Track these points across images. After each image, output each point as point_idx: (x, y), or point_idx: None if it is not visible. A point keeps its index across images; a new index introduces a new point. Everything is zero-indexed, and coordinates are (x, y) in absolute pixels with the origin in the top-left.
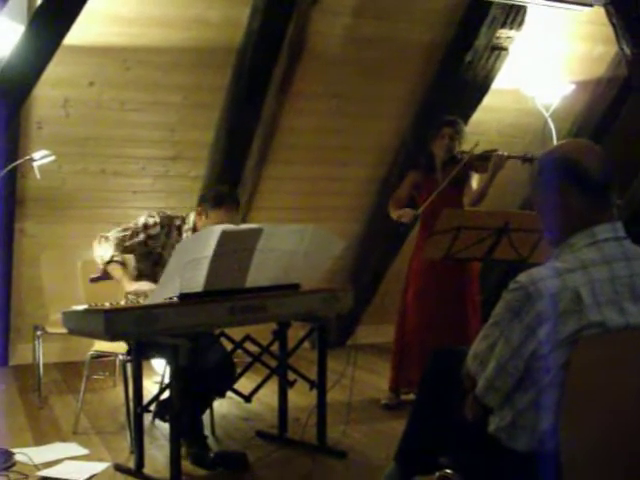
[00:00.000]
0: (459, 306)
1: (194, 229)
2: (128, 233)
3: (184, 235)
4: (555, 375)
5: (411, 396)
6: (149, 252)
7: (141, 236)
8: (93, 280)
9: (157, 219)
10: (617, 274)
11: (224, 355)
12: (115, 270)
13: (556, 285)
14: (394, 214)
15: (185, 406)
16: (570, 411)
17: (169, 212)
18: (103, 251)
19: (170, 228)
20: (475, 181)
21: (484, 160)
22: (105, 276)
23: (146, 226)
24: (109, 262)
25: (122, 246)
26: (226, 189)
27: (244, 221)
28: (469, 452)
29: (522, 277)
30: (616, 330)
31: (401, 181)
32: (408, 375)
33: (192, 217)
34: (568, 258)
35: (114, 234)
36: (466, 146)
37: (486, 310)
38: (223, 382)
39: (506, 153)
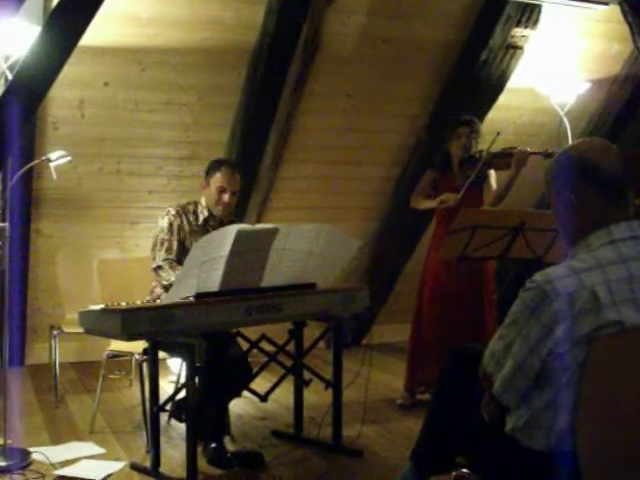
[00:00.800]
0: (475, 305)
1: (208, 208)
2: (167, 245)
3: (200, 216)
4: (572, 374)
5: (426, 396)
6: (185, 247)
7: (175, 239)
8: None
9: (173, 211)
10: (634, 273)
11: (240, 355)
12: None
13: (573, 284)
14: (430, 203)
15: (201, 405)
16: (587, 410)
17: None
18: (168, 276)
19: (187, 215)
20: (493, 179)
21: (505, 157)
22: None
23: (171, 225)
24: None
25: (175, 262)
26: (224, 158)
27: (259, 221)
28: (486, 451)
29: (539, 276)
30: (633, 329)
31: (416, 180)
32: (424, 375)
33: (204, 199)
34: (585, 257)
35: (162, 257)
36: (483, 144)
37: (503, 309)
38: (239, 381)
39: (528, 149)
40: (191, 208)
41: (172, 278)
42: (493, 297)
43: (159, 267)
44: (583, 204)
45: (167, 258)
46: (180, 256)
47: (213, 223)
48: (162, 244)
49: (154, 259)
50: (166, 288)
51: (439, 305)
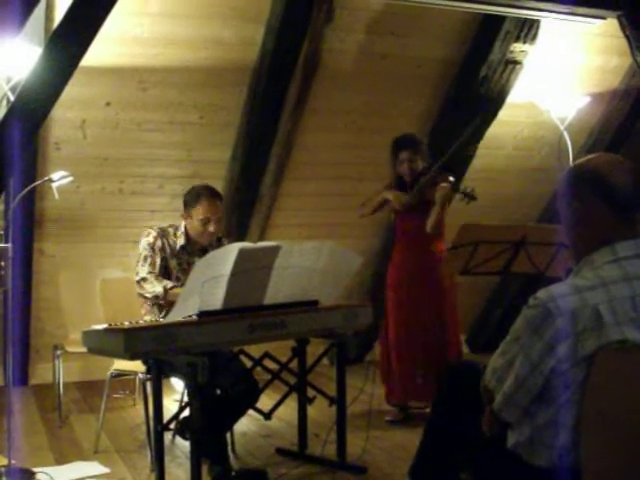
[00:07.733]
0: (437, 313)
1: (186, 232)
2: (150, 261)
3: (177, 242)
4: (574, 392)
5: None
6: (169, 268)
7: (157, 256)
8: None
9: (154, 233)
10: (638, 292)
11: (244, 373)
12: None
13: (576, 302)
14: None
15: (205, 424)
16: (590, 427)
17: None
18: (154, 287)
19: (167, 237)
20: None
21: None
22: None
23: (152, 246)
24: (170, 290)
25: (159, 275)
26: (201, 185)
27: (262, 239)
28: (488, 467)
29: (541, 294)
30: (636, 346)
31: None
32: (401, 387)
33: (183, 222)
34: (588, 275)
35: (146, 271)
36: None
37: (505, 325)
38: (245, 400)
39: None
40: (171, 231)
41: (158, 289)
42: (446, 282)
43: (143, 279)
44: (590, 218)
45: (151, 272)
46: (163, 274)
47: (191, 250)
48: (145, 260)
49: (137, 273)
50: (153, 303)
51: (403, 318)
